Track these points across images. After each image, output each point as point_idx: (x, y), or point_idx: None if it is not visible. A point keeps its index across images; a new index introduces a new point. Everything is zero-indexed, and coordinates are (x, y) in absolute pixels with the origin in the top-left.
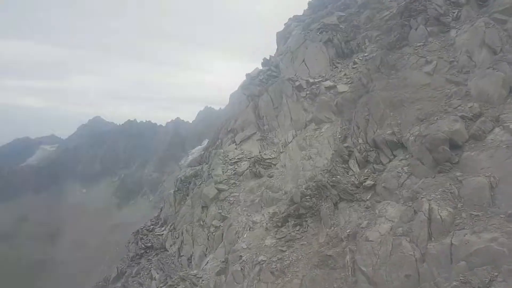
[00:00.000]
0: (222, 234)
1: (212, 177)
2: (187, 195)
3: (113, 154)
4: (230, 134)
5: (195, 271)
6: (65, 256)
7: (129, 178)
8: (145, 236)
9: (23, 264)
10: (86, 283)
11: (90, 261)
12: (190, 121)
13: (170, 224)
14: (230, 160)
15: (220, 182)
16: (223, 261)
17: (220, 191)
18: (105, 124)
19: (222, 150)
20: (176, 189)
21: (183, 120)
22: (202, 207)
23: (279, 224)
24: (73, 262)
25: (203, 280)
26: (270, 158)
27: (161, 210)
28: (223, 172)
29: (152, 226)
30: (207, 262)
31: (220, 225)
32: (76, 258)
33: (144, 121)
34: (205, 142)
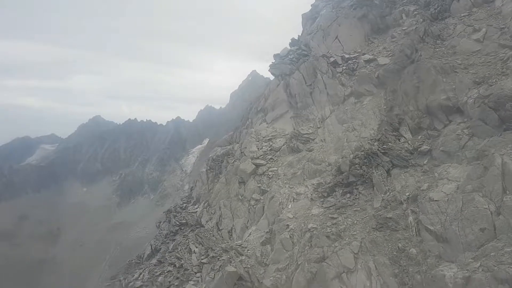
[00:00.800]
0: (263, 207)
1: (245, 154)
2: (220, 173)
3: (114, 153)
4: (260, 113)
5: (239, 242)
6: (65, 255)
7: (129, 177)
8: (178, 214)
9: (24, 263)
10: (87, 281)
11: (90, 260)
12: (191, 120)
13: (204, 202)
14: (264, 138)
15: (257, 158)
16: (267, 232)
17: (257, 166)
18: (105, 124)
19: (254, 129)
20: (208, 168)
21: (183, 119)
22: (239, 182)
23: (325, 194)
24: (74, 260)
25: (248, 250)
26: (308, 133)
27: (191, 190)
28: (258, 149)
29: (184, 204)
30: (250, 234)
31: (260, 198)
32: (77, 257)
33: (145, 120)
34: (205, 141)
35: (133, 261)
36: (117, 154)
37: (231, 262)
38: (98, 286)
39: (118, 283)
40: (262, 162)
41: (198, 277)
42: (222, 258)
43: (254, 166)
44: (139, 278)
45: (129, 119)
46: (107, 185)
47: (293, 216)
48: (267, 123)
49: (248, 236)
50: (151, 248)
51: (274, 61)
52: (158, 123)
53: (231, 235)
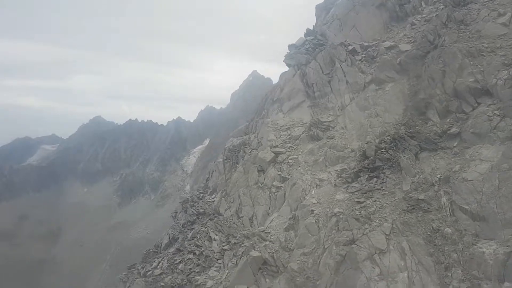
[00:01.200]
0: (284, 194)
1: (262, 143)
2: (237, 163)
3: (114, 153)
4: (276, 104)
5: (262, 228)
6: (66, 255)
7: (130, 177)
8: (196, 204)
9: (24, 263)
10: (87, 281)
11: (91, 260)
12: (191, 121)
13: (221, 191)
14: (281, 127)
15: (276, 146)
16: (290, 218)
17: (277, 154)
18: (106, 124)
19: (270, 120)
20: (225, 158)
21: (184, 119)
22: (258, 171)
23: (349, 180)
24: (74, 261)
25: (271, 236)
26: (328, 121)
27: (206, 181)
28: (276, 137)
29: (202, 194)
30: (272, 220)
31: (281, 186)
32: (77, 257)
33: (145, 120)
34: (206, 142)
35: (151, 250)
36: (117, 154)
37: (254, 247)
38: (99, 286)
39: (136, 271)
40: (282, 150)
41: (220, 263)
42: (244, 244)
43: (273, 154)
44: (158, 267)
45: (130, 119)
46: (108, 185)
47: (317, 202)
48: (283, 113)
49: (270, 222)
50: (169, 238)
51: (288, 51)
52: (159, 123)
53: (252, 222)
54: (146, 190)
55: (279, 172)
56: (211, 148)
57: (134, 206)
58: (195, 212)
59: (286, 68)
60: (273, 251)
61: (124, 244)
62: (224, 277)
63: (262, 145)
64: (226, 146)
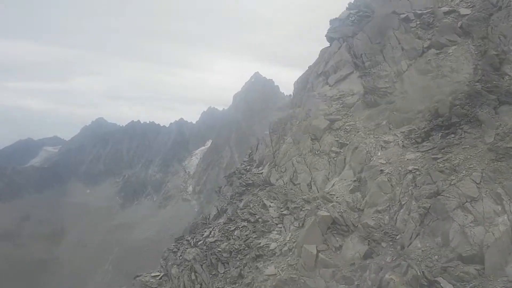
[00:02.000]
0: (345, 158)
1: (310, 115)
2: (285, 135)
3: (117, 155)
4: (321, 77)
5: (326, 190)
6: (68, 255)
7: (132, 179)
8: (243, 176)
9: (26, 263)
10: (89, 282)
11: (93, 261)
12: (194, 122)
13: (269, 163)
14: (330, 97)
15: (330, 114)
16: (354, 180)
17: (332, 121)
18: (108, 125)
19: (316, 92)
20: (271, 130)
21: (186, 120)
22: (312, 139)
23: (419, 140)
24: (76, 261)
25: (337, 197)
26: (385, 87)
27: (249, 156)
28: (328, 107)
29: (248, 167)
30: (333, 184)
31: (339, 151)
32: (79, 258)
33: (148, 121)
34: (208, 143)
35: (199, 222)
36: (120, 155)
37: (319, 208)
38: (101, 287)
39: (185, 242)
40: (337, 117)
41: (280, 227)
42: (306, 208)
43: (328, 122)
44: (210, 236)
45: (132, 120)
46: (110, 186)
47: (386, 162)
48: (329, 86)
49: (332, 186)
50: (217, 210)
51: (330, 26)
52: (161, 125)
53: (311, 187)
54: (148, 191)
55: (337, 139)
56: (213, 149)
57: (136, 207)
58: (244, 184)
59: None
60: (342, 211)
61: (126, 245)
62: (287, 239)
63: (310, 116)
64: (272, 119)
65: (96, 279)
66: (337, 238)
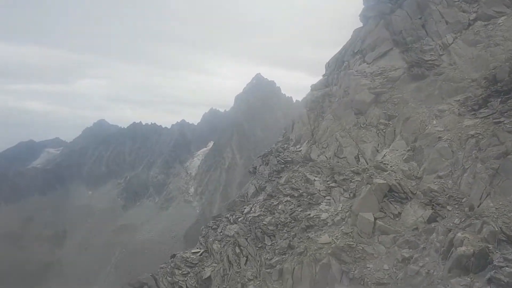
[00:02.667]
0: (394, 130)
1: (349, 92)
2: (323, 113)
3: (119, 156)
4: (357, 55)
5: (380, 159)
6: (71, 257)
7: (134, 180)
8: (281, 154)
9: (30, 265)
10: (92, 283)
11: (96, 262)
12: (195, 123)
13: (307, 140)
14: (371, 74)
15: (374, 88)
16: (408, 150)
17: (377, 95)
18: (110, 127)
19: (354, 70)
20: (308, 109)
21: (188, 122)
22: (355, 114)
23: (476, 107)
24: (79, 263)
25: (391, 166)
26: (432, 60)
27: (283, 136)
28: (370, 81)
29: (285, 145)
30: (384, 155)
31: (388, 123)
32: (82, 259)
33: (149, 123)
34: (210, 144)
35: (237, 200)
36: (122, 157)
37: (372, 178)
38: None
39: (225, 219)
40: (383, 90)
41: (329, 199)
42: (356, 179)
43: (373, 96)
44: (251, 212)
45: (134, 122)
46: (112, 187)
47: (444, 129)
48: (367, 63)
49: (383, 157)
50: (255, 188)
51: (364, 5)
52: (163, 126)
53: (358, 160)
54: (150, 192)
55: (384, 111)
56: (215, 151)
57: (138, 209)
58: (282, 162)
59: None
60: (399, 179)
61: (129, 247)
62: (339, 209)
63: (349, 93)
64: (308, 98)
65: (99, 280)
66: (395, 206)
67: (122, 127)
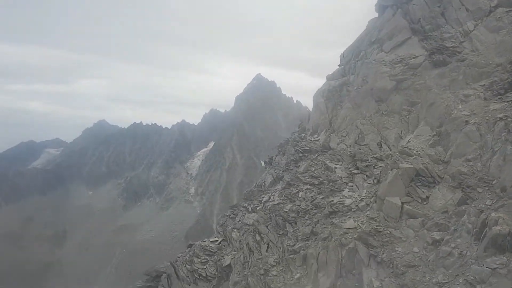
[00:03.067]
0: (418, 116)
1: (368, 81)
2: (341, 102)
3: (119, 157)
4: (374, 45)
5: (405, 144)
6: (71, 257)
7: (135, 180)
8: (298, 143)
9: (30, 265)
10: (92, 284)
11: (96, 262)
12: (196, 124)
13: (325, 129)
14: (390, 62)
15: (395, 75)
16: (434, 135)
17: (399, 82)
18: (110, 128)
19: (372, 59)
20: (325, 99)
21: (188, 122)
22: (376, 101)
23: (502, 91)
24: (79, 263)
25: (417, 151)
26: (454, 47)
27: (299, 126)
28: (390, 69)
29: (303, 135)
30: (409, 141)
31: (411, 109)
32: (82, 259)
33: (150, 123)
34: (210, 144)
35: (254, 190)
36: (122, 157)
37: (397, 163)
38: None
39: (242, 209)
40: (405, 76)
41: (351, 185)
42: (379, 165)
43: (394, 83)
44: (269, 201)
45: (134, 122)
46: (113, 188)
47: (471, 113)
48: (385, 52)
49: (408, 142)
50: (273, 177)
51: None
52: (163, 127)
53: (381, 147)
54: (151, 193)
55: (406, 97)
56: (215, 151)
57: (139, 209)
58: (300, 151)
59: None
60: (425, 163)
61: (129, 247)
62: (363, 194)
63: (368, 82)
64: (324, 88)
65: (99, 280)
66: (423, 190)
67: (123, 127)
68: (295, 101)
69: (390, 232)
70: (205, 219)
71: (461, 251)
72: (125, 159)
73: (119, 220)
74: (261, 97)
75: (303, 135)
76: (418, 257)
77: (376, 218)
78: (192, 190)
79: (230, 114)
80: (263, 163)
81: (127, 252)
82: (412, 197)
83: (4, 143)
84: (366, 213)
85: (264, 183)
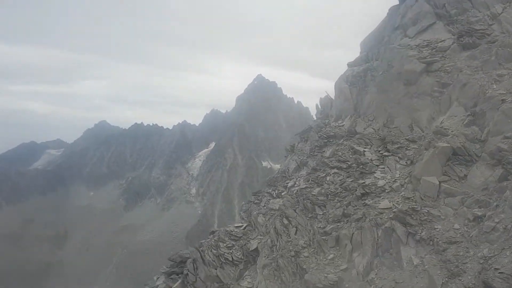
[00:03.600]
0: (450, 97)
1: (393, 66)
2: (366, 87)
3: (120, 157)
4: (397, 30)
5: (440, 124)
6: (72, 257)
7: (136, 181)
8: (322, 129)
9: (31, 266)
10: (93, 284)
11: (97, 263)
12: (197, 124)
13: (350, 115)
14: (416, 46)
15: (424, 58)
16: (468, 115)
17: (428, 64)
18: (111, 128)
19: (395, 45)
20: (349, 84)
21: (189, 123)
22: (405, 84)
23: None
24: (80, 263)
25: (452, 131)
26: (483, 29)
27: (321, 113)
28: (418, 52)
29: (326, 121)
30: (442, 121)
31: (443, 91)
32: (83, 260)
33: (151, 124)
34: (211, 145)
35: (278, 176)
36: (123, 157)
37: (433, 143)
38: None
39: (267, 194)
40: (435, 59)
41: (383, 167)
42: (412, 146)
43: (424, 65)
44: (295, 186)
45: (135, 123)
46: (114, 188)
47: (506, 92)
48: (409, 38)
49: (441, 123)
50: (297, 163)
51: None
52: (164, 127)
53: (412, 129)
54: (152, 193)
55: (437, 79)
56: (216, 151)
57: (140, 210)
58: (324, 137)
59: None
60: (462, 142)
61: (130, 247)
62: (397, 176)
63: (393, 66)
64: (347, 74)
65: (100, 280)
66: (460, 168)
67: (124, 128)
68: (295, 102)
69: (428, 211)
70: (206, 220)
71: (506, 226)
72: (126, 159)
73: (120, 221)
74: (262, 98)
75: (326, 121)
76: (459, 234)
77: (412, 198)
78: (193, 191)
79: (231, 114)
80: (286, 150)
81: (127, 253)
82: (449, 176)
83: (4, 144)
84: (401, 194)
85: (288, 169)
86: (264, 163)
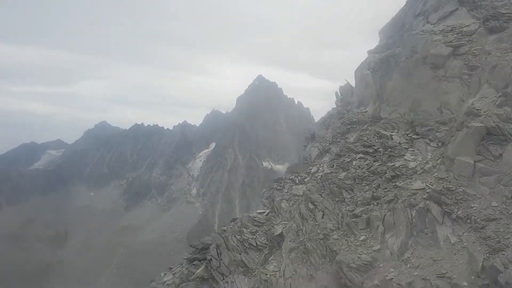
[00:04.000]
0: (480, 79)
1: (418, 51)
2: (387, 73)
3: (121, 157)
4: (419, 17)
5: (471, 105)
6: (72, 258)
7: (136, 181)
8: (345, 115)
9: (31, 266)
10: (94, 284)
11: (97, 263)
12: (197, 125)
13: (373, 101)
14: (440, 31)
15: (450, 42)
16: (500, 96)
17: (455, 47)
18: (111, 129)
19: (417, 31)
20: (372, 70)
21: (190, 123)
22: (431, 68)
23: None
24: (81, 264)
25: (484, 111)
26: (509, 13)
27: (340, 101)
28: (443, 37)
29: (349, 107)
30: (473, 103)
31: (472, 73)
32: (84, 260)
33: (151, 124)
34: (212, 145)
35: (300, 163)
36: (124, 158)
37: (465, 124)
38: None
39: (289, 181)
40: (462, 42)
41: (412, 150)
42: (442, 128)
43: (451, 49)
44: (319, 171)
45: (136, 123)
46: (114, 189)
47: None
48: (431, 24)
49: (472, 105)
50: (319, 150)
51: None
52: (165, 128)
53: (441, 111)
54: (152, 193)
55: (465, 62)
56: (217, 152)
57: (140, 210)
58: (347, 122)
59: None
60: (496, 122)
61: (131, 248)
62: (428, 157)
63: (417, 52)
64: (370, 60)
65: (100, 281)
66: (495, 148)
67: (124, 128)
68: (296, 102)
69: (463, 190)
70: (207, 220)
71: None
72: (126, 160)
73: (120, 221)
74: (262, 98)
75: (348, 107)
76: (498, 211)
77: (446, 178)
78: (194, 191)
79: (231, 115)
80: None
81: (128, 253)
82: (484, 156)
83: (5, 144)
84: (434, 175)
85: (310, 156)
86: (265, 164)
